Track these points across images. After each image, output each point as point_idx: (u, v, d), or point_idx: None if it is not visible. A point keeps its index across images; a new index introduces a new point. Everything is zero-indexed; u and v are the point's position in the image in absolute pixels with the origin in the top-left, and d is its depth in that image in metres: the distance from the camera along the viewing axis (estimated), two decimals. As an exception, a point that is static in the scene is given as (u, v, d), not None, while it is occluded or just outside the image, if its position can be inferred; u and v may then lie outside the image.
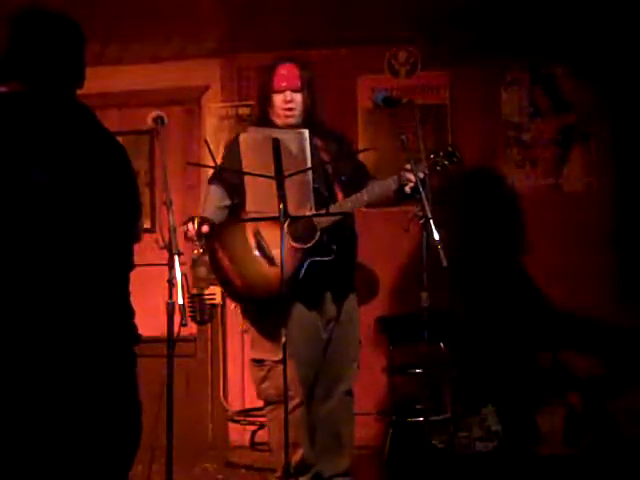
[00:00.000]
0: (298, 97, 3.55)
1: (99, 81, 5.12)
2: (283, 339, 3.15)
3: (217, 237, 3.50)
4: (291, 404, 3.46)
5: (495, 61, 5.08)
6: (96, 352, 2.10)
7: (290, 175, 3.18)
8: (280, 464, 3.46)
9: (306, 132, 3.25)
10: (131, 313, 2.25)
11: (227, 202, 3.59)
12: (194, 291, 3.19)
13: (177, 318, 2.93)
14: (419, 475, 4.08)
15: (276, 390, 3.49)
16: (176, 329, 2.92)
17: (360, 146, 5.06)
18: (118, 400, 2.15)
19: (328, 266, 3.47)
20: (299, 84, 3.54)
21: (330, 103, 5.10)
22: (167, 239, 2.86)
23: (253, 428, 4.98)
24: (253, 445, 4.99)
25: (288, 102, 3.53)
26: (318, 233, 3.43)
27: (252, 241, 3.48)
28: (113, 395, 2.14)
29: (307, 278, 3.42)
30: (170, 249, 2.87)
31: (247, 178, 3.27)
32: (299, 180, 3.22)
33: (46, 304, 2.04)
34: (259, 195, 3.27)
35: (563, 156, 5.13)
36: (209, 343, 5.37)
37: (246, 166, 3.25)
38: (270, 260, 3.43)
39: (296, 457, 3.52)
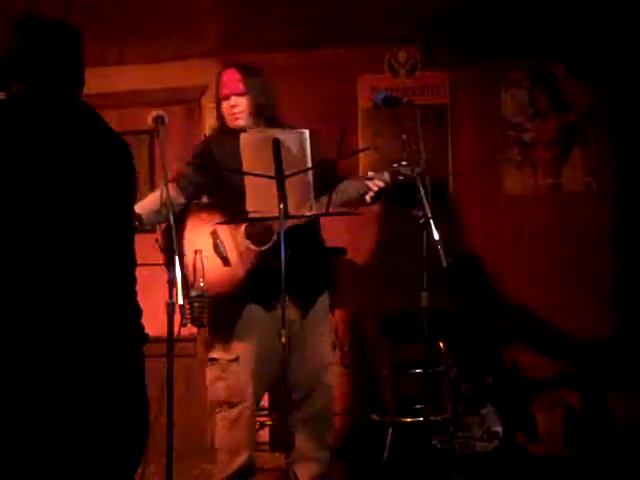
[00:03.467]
0: (243, 100, 3.56)
1: (99, 81, 5.11)
2: (283, 340, 3.16)
3: (182, 234, 3.44)
4: (241, 406, 3.46)
5: (495, 61, 5.08)
6: (105, 353, 2.10)
7: (290, 175, 3.18)
8: (224, 469, 3.49)
9: (306, 132, 3.25)
10: (138, 312, 2.25)
11: (181, 200, 3.49)
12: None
13: (177, 318, 2.93)
14: (419, 475, 4.09)
15: (227, 391, 3.47)
16: (176, 329, 2.93)
17: (360, 146, 5.07)
18: (126, 400, 2.15)
19: (285, 270, 3.43)
20: (242, 88, 3.56)
21: (330, 103, 5.13)
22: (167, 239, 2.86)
23: (253, 428, 4.97)
24: (253, 445, 4.98)
25: (232, 107, 3.56)
26: (274, 236, 3.36)
27: (210, 241, 3.44)
28: (121, 395, 2.14)
29: (262, 280, 3.37)
30: (170, 249, 2.88)
31: (247, 178, 3.27)
32: (299, 180, 3.22)
33: (52, 305, 2.04)
34: (259, 195, 3.27)
35: (563, 156, 5.13)
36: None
37: (246, 166, 3.26)
38: (224, 260, 3.42)
39: (239, 461, 3.48)
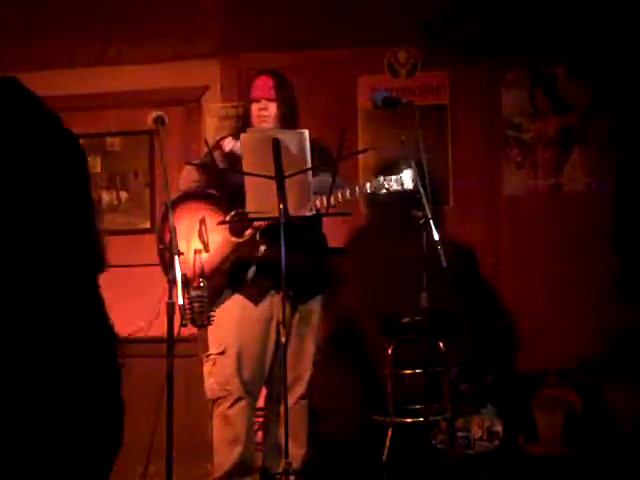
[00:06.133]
0: (272, 105, 3.70)
1: (99, 81, 5.14)
2: (283, 339, 3.17)
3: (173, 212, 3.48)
4: (230, 399, 3.55)
5: (495, 61, 5.08)
6: (72, 347, 2.05)
7: (290, 175, 3.18)
8: (220, 464, 3.61)
9: (306, 132, 3.26)
10: (101, 302, 2.13)
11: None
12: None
13: (177, 318, 2.93)
14: (419, 475, 4.09)
15: (219, 385, 3.56)
16: (176, 329, 2.93)
17: (360, 146, 5.07)
18: (96, 399, 2.10)
19: (274, 267, 3.43)
20: (273, 94, 3.71)
21: (330, 103, 5.13)
22: (167, 239, 2.87)
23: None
24: (253, 445, 4.98)
25: (262, 109, 3.71)
26: (249, 231, 3.49)
27: (196, 226, 3.53)
28: (91, 394, 2.09)
29: (243, 272, 3.50)
30: (170, 249, 2.88)
31: (247, 178, 3.28)
32: (299, 180, 3.22)
33: (32, 307, 2.00)
34: (259, 195, 3.27)
35: (563, 156, 5.13)
36: (209, 343, 5.36)
37: (246, 166, 3.26)
38: (205, 246, 3.49)
39: (234, 455, 3.58)
